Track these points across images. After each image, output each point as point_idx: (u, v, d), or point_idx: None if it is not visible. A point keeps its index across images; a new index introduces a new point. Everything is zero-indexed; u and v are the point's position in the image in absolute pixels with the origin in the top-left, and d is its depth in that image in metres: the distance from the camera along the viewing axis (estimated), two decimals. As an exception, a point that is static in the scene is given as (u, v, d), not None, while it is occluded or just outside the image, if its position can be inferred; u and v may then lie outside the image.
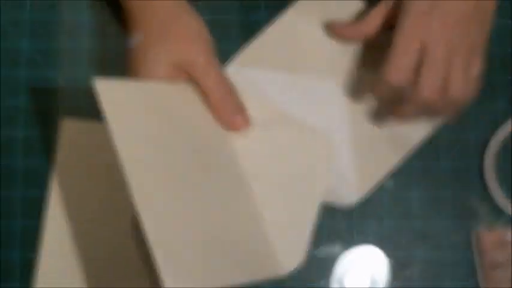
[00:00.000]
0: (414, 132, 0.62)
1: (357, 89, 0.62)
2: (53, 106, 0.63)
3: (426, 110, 0.56)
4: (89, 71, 0.64)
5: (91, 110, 0.63)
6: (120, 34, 0.64)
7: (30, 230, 0.61)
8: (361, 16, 0.61)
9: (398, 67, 0.54)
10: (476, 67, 0.56)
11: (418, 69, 0.54)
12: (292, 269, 0.55)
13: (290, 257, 0.55)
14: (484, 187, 0.63)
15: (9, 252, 0.61)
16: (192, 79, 0.55)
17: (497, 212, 0.63)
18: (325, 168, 0.60)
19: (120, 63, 0.64)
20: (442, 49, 0.54)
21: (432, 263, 0.62)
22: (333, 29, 0.62)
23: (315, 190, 0.58)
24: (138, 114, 0.50)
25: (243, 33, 0.62)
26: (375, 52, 0.60)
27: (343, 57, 0.63)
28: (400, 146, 0.62)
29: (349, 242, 0.62)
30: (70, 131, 0.62)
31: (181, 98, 0.54)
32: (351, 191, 0.62)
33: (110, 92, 0.48)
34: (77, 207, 0.61)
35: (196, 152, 0.53)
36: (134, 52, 0.55)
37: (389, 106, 0.59)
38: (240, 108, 0.56)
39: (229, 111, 0.55)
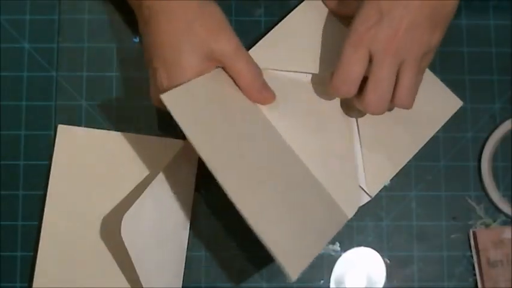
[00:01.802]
0: (420, 135, 0.62)
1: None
2: (52, 106, 0.63)
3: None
4: (88, 71, 0.64)
5: (90, 111, 0.64)
6: (120, 33, 0.64)
7: (30, 230, 0.62)
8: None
9: (343, 79, 0.56)
10: (422, 73, 0.57)
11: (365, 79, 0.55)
12: (354, 213, 0.59)
13: (350, 205, 0.59)
14: (482, 187, 0.63)
15: (9, 252, 0.62)
16: (222, 65, 0.58)
17: (494, 211, 0.63)
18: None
19: (120, 63, 0.64)
20: (389, 60, 0.54)
21: (431, 262, 0.63)
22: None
23: (351, 139, 0.61)
24: (201, 108, 0.55)
25: (242, 33, 0.61)
26: None
27: None
28: (408, 147, 0.62)
29: (349, 242, 0.63)
30: (66, 136, 0.62)
31: (222, 83, 0.58)
32: (362, 193, 0.61)
33: (175, 99, 0.52)
34: (74, 208, 0.61)
35: (251, 128, 0.58)
36: (162, 49, 0.56)
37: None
38: (266, 85, 0.60)
39: (259, 89, 0.59)
